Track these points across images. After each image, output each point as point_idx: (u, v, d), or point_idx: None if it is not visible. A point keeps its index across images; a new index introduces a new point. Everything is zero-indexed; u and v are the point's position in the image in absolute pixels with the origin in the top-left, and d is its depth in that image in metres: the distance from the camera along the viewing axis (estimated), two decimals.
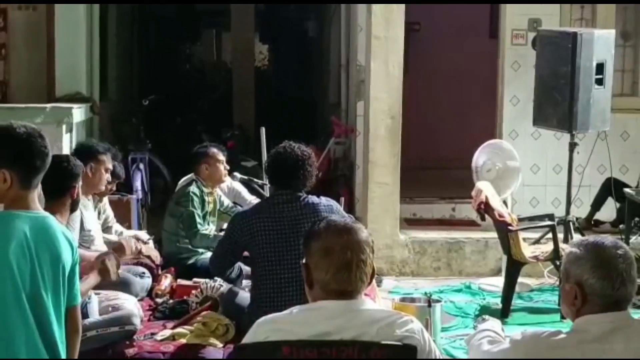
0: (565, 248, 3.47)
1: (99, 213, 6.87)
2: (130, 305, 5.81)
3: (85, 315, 5.60)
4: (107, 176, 6.57)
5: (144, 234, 7.46)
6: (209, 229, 7.28)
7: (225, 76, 17.95)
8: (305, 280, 3.13)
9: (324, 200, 5.53)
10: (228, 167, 7.56)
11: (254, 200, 7.75)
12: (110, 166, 6.63)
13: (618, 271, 3.05)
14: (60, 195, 5.26)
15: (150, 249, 7.04)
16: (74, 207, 5.38)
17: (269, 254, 5.35)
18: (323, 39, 14.91)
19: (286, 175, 5.47)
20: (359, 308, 3.09)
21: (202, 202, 7.29)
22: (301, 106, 16.47)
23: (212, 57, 21.39)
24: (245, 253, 5.65)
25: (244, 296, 5.84)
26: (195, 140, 9.97)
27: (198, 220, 7.16)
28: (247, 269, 6.19)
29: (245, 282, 6.35)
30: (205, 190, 7.37)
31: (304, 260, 3.16)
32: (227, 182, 7.76)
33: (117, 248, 6.21)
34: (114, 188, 7.11)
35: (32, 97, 9.41)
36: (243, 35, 16.30)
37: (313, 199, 5.49)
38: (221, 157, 7.48)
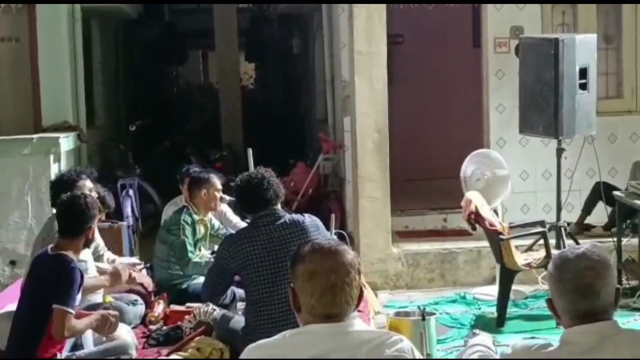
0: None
1: None
2: (125, 334, 5.79)
3: (79, 346, 5.60)
4: (94, 194, 6.49)
5: (135, 261, 7.44)
6: (200, 254, 7.28)
7: (213, 97, 17.96)
8: (292, 304, 3.12)
9: (307, 218, 5.56)
10: (224, 197, 7.59)
11: (238, 221, 7.78)
12: (90, 185, 6.58)
13: (582, 284, 3.04)
14: (77, 235, 5.30)
15: (142, 276, 7.03)
16: (87, 244, 5.44)
17: (261, 277, 5.35)
18: (308, 55, 14.95)
19: (257, 196, 5.52)
20: (348, 330, 3.07)
21: (193, 230, 7.29)
22: (289, 124, 16.51)
23: (198, 79, 21.44)
24: (237, 277, 5.66)
25: (238, 320, 5.83)
26: (184, 163, 9.98)
27: (189, 248, 7.16)
28: (240, 291, 6.19)
29: (240, 305, 6.34)
30: (197, 217, 7.37)
31: (292, 284, 3.16)
32: None
33: (113, 274, 6.22)
34: (103, 218, 7.08)
35: (19, 128, 9.42)
36: (228, 55, 16.33)
37: (297, 217, 5.53)
38: (220, 186, 7.52)
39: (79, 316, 5.35)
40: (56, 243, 5.36)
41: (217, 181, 7.54)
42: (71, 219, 5.36)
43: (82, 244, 5.36)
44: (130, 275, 6.41)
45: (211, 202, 7.46)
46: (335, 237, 7.36)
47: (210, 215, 7.65)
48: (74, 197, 5.51)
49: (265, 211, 5.49)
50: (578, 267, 3.06)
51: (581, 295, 3.04)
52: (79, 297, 5.23)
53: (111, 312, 5.54)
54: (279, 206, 5.59)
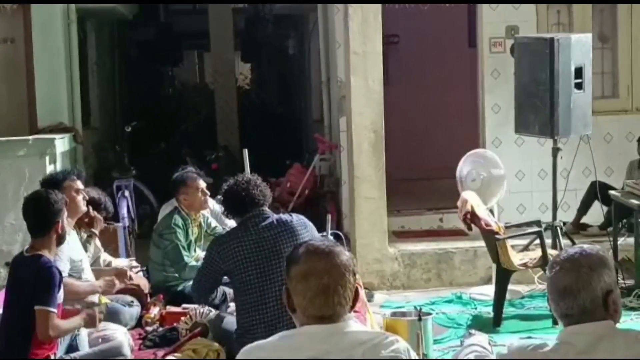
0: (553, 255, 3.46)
1: (86, 246, 6.82)
2: (120, 335, 5.79)
3: (74, 347, 5.59)
4: (80, 197, 6.42)
5: (133, 264, 7.42)
6: (195, 255, 7.24)
7: (208, 98, 17.95)
8: (287, 305, 3.12)
9: (295, 217, 5.58)
10: (208, 193, 7.45)
11: (233, 224, 7.72)
12: (79, 186, 6.50)
13: (561, 284, 3.05)
14: (46, 232, 5.26)
15: (138, 278, 7.03)
16: (60, 241, 5.39)
17: (251, 278, 5.35)
18: (303, 56, 14.94)
19: (245, 197, 5.53)
20: (343, 331, 3.06)
21: (186, 232, 7.24)
22: (285, 124, 16.50)
23: (194, 79, 21.41)
24: (225, 278, 5.66)
25: (232, 320, 5.81)
26: (180, 164, 9.95)
27: (184, 252, 7.11)
28: (231, 292, 6.17)
29: (232, 305, 6.32)
30: (189, 218, 7.31)
31: (286, 285, 3.15)
32: (210, 204, 7.68)
33: (108, 283, 6.22)
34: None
35: (14, 130, 9.41)
36: (223, 55, 16.32)
37: (285, 216, 5.57)
38: (200, 184, 7.35)
39: (65, 316, 5.34)
40: (31, 244, 5.35)
41: (195, 180, 7.31)
42: (36, 216, 5.33)
43: (54, 240, 5.30)
44: (127, 274, 6.41)
45: (195, 202, 7.32)
46: (331, 237, 7.35)
47: (207, 214, 7.60)
48: (35, 194, 5.51)
49: (254, 212, 5.50)
50: (562, 267, 3.07)
51: (560, 294, 3.05)
52: (60, 294, 5.20)
53: (96, 308, 5.55)
54: (266, 207, 5.60)
